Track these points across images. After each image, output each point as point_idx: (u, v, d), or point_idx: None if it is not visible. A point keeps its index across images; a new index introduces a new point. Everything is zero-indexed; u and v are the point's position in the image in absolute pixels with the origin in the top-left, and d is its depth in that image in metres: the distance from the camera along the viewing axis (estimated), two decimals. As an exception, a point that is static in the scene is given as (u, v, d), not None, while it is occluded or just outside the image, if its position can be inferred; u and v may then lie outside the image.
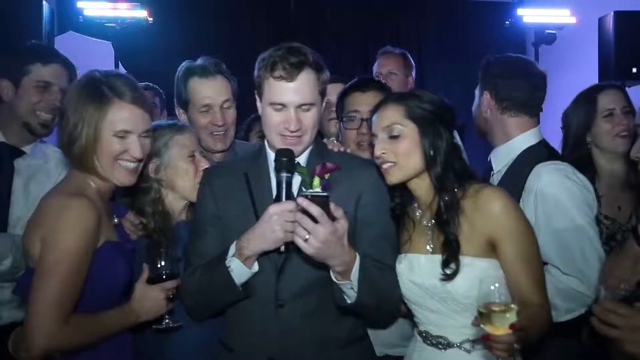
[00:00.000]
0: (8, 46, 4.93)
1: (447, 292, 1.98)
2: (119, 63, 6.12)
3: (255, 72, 2.13)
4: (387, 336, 2.43)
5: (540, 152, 2.58)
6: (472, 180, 2.08)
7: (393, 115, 2.06)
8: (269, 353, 2.08)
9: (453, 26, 8.07)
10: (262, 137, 3.36)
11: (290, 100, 2.05)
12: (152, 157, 2.36)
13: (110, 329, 2.02)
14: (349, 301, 2.00)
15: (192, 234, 2.27)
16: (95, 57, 6.16)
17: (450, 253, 1.97)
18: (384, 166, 2.07)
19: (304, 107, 2.07)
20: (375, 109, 2.14)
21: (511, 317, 1.68)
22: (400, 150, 2.04)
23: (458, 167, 2.07)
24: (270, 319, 2.09)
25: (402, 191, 2.16)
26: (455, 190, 2.02)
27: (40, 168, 2.78)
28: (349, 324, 2.16)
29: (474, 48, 7.41)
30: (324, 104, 2.19)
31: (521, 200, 2.42)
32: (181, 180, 2.40)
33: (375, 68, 4.28)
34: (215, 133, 2.66)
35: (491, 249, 1.99)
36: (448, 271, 1.95)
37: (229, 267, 2.01)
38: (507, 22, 6.68)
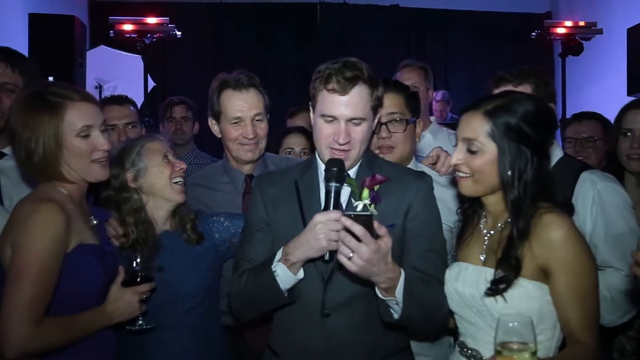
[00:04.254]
0: (41, 61, 5.11)
1: (485, 306, 1.94)
2: (148, 76, 6.23)
3: (311, 83, 2.15)
4: (415, 345, 2.41)
5: (573, 162, 2.62)
6: (544, 200, 1.95)
7: (476, 130, 1.96)
8: None
9: (479, 38, 8.06)
10: (289, 153, 3.42)
11: (341, 113, 2.05)
12: (128, 169, 2.43)
13: (85, 330, 2.04)
14: (395, 316, 1.98)
15: (242, 239, 2.32)
16: (125, 70, 6.30)
17: (508, 276, 1.89)
18: (459, 175, 2.03)
19: (354, 121, 2.07)
20: (464, 110, 2.05)
21: (523, 358, 1.62)
22: (476, 166, 1.96)
23: (539, 190, 1.94)
24: (315, 327, 2.09)
25: (473, 198, 2.10)
26: (531, 214, 1.91)
27: None
28: (394, 336, 2.16)
29: (500, 60, 7.39)
30: (376, 119, 2.19)
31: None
32: (159, 182, 2.44)
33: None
34: (245, 145, 2.69)
35: (544, 275, 1.90)
36: (501, 287, 1.90)
37: (274, 271, 2.01)
38: (534, 34, 6.64)
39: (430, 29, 8.30)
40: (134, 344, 2.33)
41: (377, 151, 2.60)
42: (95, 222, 2.21)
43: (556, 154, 2.61)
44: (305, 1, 8.07)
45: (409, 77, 4.14)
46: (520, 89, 2.54)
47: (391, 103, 2.57)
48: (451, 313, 2.11)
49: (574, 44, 6.35)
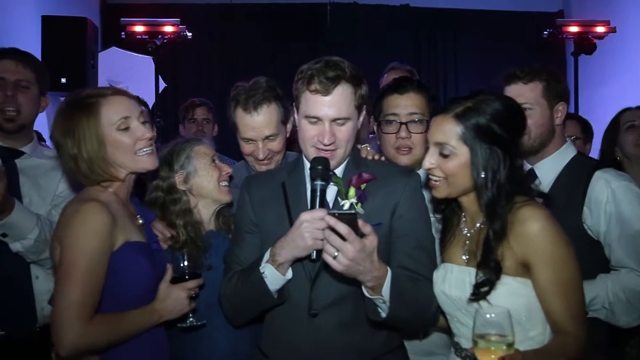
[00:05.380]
0: (53, 63, 5.15)
1: (472, 307, 1.93)
2: (160, 77, 6.26)
3: (294, 84, 2.15)
4: (426, 345, 2.41)
5: (587, 160, 2.62)
6: (520, 194, 1.96)
7: (447, 134, 1.95)
8: None
9: (490, 37, 8.01)
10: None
11: (325, 114, 2.05)
12: (177, 171, 2.49)
13: (135, 327, 2.06)
14: (383, 315, 1.99)
15: (232, 241, 2.33)
16: (136, 71, 6.34)
17: (489, 279, 1.90)
18: (432, 180, 2.03)
19: (338, 121, 2.06)
20: (433, 115, 2.07)
21: (501, 349, 1.64)
22: (449, 169, 1.97)
23: (514, 188, 1.94)
24: (303, 327, 2.10)
25: (449, 199, 2.10)
26: (506, 215, 1.91)
27: (44, 164, 2.84)
28: (383, 335, 2.15)
29: (511, 59, 7.35)
30: (361, 118, 2.18)
31: (585, 206, 2.43)
32: (208, 184, 2.50)
33: (382, 83, 4.18)
34: (259, 161, 2.65)
35: (526, 270, 1.90)
36: (483, 290, 1.90)
37: (263, 273, 2.02)
38: (546, 33, 6.59)
39: (441, 29, 8.25)
40: (186, 342, 2.35)
41: (392, 152, 2.58)
42: (141, 221, 2.23)
43: (569, 152, 2.61)
44: (315, 1, 8.05)
45: None
46: (531, 86, 2.55)
47: (412, 103, 2.56)
48: (443, 314, 2.11)
49: (586, 43, 6.29)
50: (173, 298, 2.16)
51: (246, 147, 2.64)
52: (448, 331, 2.20)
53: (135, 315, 2.08)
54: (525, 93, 2.56)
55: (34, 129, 3.00)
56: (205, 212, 2.53)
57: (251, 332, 2.37)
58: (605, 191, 2.42)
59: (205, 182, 2.50)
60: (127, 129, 2.09)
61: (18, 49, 2.89)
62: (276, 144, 2.62)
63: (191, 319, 2.28)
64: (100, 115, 2.05)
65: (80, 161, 2.05)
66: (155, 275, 2.16)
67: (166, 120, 6.18)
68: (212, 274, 2.35)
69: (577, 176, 2.51)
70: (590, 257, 2.44)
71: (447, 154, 1.96)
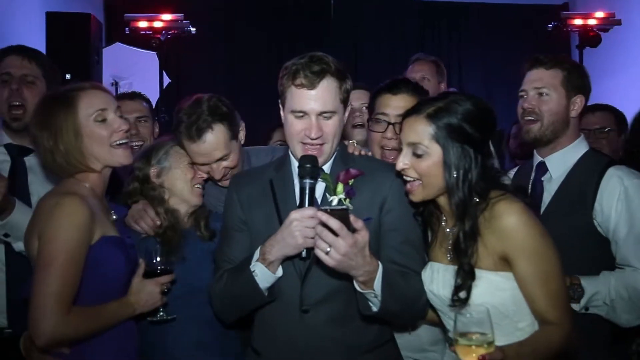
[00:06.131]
0: (58, 59, 5.17)
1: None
2: (164, 72, 6.27)
3: (279, 81, 2.15)
4: (417, 341, 2.41)
5: (600, 157, 2.58)
6: (494, 189, 1.98)
7: (420, 134, 1.98)
8: (295, 358, 2.11)
9: (495, 30, 7.98)
10: (282, 145, 3.41)
11: (311, 108, 2.06)
12: (153, 165, 2.54)
13: (111, 320, 2.11)
14: (374, 309, 2.00)
15: (220, 240, 2.34)
16: (140, 67, 6.34)
17: (465, 283, 1.92)
18: (408, 184, 2.04)
19: (325, 115, 2.07)
20: (405, 115, 2.08)
21: (482, 347, 1.65)
22: (422, 169, 1.99)
23: (485, 186, 1.96)
24: (295, 324, 2.10)
25: (426, 203, 2.11)
26: (477, 214, 1.94)
27: None
28: (375, 329, 2.16)
29: (516, 52, 7.32)
30: (346, 112, 2.19)
31: (597, 202, 2.41)
32: (179, 183, 2.53)
33: (407, 73, 4.18)
34: (219, 180, 2.59)
35: (506, 264, 1.93)
36: (461, 295, 1.93)
37: (253, 271, 2.02)
38: (550, 26, 6.56)
39: (445, 22, 8.23)
40: (154, 335, 2.39)
41: (378, 151, 2.58)
42: (115, 216, 2.26)
43: (582, 147, 2.57)
44: (320, -4, 8.06)
45: (420, 70, 4.12)
46: (552, 72, 2.54)
47: (404, 105, 2.48)
48: (434, 309, 2.13)
49: (591, 36, 6.27)
50: (147, 292, 2.20)
51: (202, 169, 2.57)
52: (438, 324, 2.22)
53: (111, 308, 2.12)
54: (544, 78, 2.55)
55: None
56: (177, 207, 2.55)
57: (220, 324, 2.41)
58: (618, 188, 2.39)
59: (177, 180, 2.54)
60: (103, 120, 2.13)
61: (25, 46, 2.91)
62: (230, 161, 2.55)
63: (161, 313, 2.32)
64: (77, 107, 2.10)
65: (57, 153, 2.09)
66: (129, 270, 2.20)
67: (170, 115, 6.18)
68: (180, 268, 2.38)
69: (589, 172, 2.48)
70: (598, 254, 2.44)
71: (420, 153, 1.98)
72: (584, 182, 2.47)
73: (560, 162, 2.57)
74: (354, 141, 2.67)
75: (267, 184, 2.21)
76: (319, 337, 2.10)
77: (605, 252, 2.44)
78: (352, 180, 2.07)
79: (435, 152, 1.96)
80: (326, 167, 2.17)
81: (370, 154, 2.59)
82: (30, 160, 2.80)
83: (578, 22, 6.35)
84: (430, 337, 2.41)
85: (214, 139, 2.48)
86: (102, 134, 2.12)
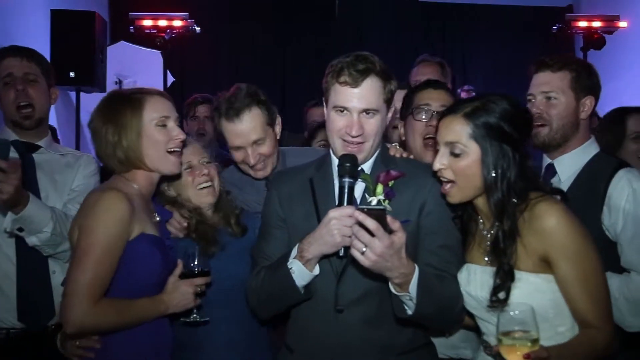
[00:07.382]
0: (62, 57, 5.18)
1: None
2: (168, 71, 6.28)
3: (324, 78, 2.16)
4: (449, 338, 2.39)
5: (610, 159, 2.54)
6: (533, 190, 1.95)
7: (458, 133, 1.96)
8: (328, 357, 2.11)
9: (499, 31, 7.98)
10: (325, 145, 3.42)
11: (354, 105, 2.06)
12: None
13: (140, 315, 2.14)
14: (409, 312, 1.98)
15: (259, 236, 2.35)
16: (145, 65, 6.36)
17: (503, 282, 1.90)
18: (444, 185, 2.03)
19: (367, 113, 2.08)
20: (443, 114, 2.07)
21: (525, 346, 1.64)
22: (460, 169, 1.96)
23: (524, 186, 1.94)
24: (329, 323, 2.10)
25: (464, 204, 2.09)
26: (516, 214, 1.92)
27: (59, 160, 2.87)
28: (409, 332, 2.15)
29: (520, 54, 7.32)
30: (389, 113, 2.19)
31: (605, 205, 2.38)
32: (187, 190, 2.51)
33: (412, 75, 4.17)
34: (251, 167, 2.64)
35: (546, 266, 1.90)
36: (500, 296, 1.90)
37: (290, 268, 2.03)
38: (555, 28, 6.55)
39: (450, 23, 8.24)
40: (185, 335, 2.38)
41: (420, 142, 2.61)
42: (158, 218, 2.32)
43: (591, 149, 2.54)
44: (324, -4, 8.06)
45: (425, 72, 4.10)
46: (559, 74, 2.50)
47: (445, 98, 2.59)
48: (470, 313, 2.10)
49: (596, 38, 6.26)
50: (180, 292, 2.21)
51: (237, 155, 2.64)
52: (474, 329, 2.20)
53: (143, 303, 2.15)
54: (552, 81, 2.50)
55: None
56: (195, 200, 2.53)
57: (250, 323, 2.40)
58: (626, 190, 2.35)
59: (183, 188, 2.52)
60: (164, 126, 2.22)
61: (19, 46, 2.92)
62: (265, 148, 2.61)
63: (195, 315, 2.31)
64: (143, 109, 2.19)
65: (119, 148, 2.17)
66: (166, 269, 2.22)
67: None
68: (213, 265, 2.36)
69: (598, 174, 2.43)
70: (605, 258, 2.40)
71: (458, 152, 1.96)
72: (593, 184, 2.43)
73: (569, 164, 2.53)
74: (396, 144, 2.66)
75: (307, 182, 2.22)
76: (352, 337, 2.09)
77: (614, 256, 2.39)
78: (392, 181, 2.06)
79: (473, 151, 1.95)
80: (366, 168, 2.17)
81: (412, 156, 2.54)
82: (39, 157, 2.81)
83: (582, 24, 6.34)
84: (461, 333, 2.39)
85: (251, 119, 2.57)
86: (160, 138, 2.20)
